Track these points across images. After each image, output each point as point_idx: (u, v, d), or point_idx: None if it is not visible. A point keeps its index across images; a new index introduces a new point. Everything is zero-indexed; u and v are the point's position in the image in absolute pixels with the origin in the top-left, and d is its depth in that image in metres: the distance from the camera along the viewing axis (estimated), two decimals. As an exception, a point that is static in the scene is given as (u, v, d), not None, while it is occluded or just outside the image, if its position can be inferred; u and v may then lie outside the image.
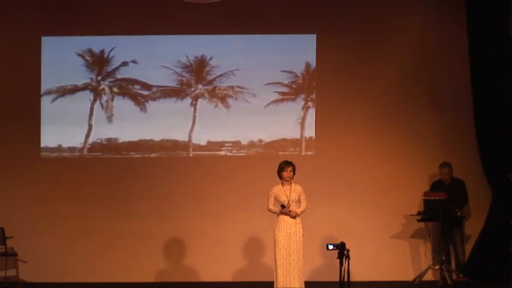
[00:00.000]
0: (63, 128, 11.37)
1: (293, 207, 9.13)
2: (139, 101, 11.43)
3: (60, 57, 11.44)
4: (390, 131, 11.24)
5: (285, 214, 9.11)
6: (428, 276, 10.82)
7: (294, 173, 9.22)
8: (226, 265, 11.12)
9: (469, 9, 11.00)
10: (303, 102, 11.38)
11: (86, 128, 11.40)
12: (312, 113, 11.33)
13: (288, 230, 9.09)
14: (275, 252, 9.10)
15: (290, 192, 9.17)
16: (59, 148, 11.43)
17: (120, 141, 11.43)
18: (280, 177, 9.22)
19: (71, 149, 11.43)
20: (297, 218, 9.15)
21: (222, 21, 11.29)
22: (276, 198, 9.18)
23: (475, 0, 10.98)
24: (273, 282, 9.18)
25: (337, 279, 8.21)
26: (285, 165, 9.21)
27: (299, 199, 9.20)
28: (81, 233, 11.18)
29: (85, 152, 11.41)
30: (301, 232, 9.12)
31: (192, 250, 11.18)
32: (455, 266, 10.81)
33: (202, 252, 11.15)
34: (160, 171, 11.31)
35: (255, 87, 11.33)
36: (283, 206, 9.10)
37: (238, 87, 11.38)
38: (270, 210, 9.22)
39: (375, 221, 11.08)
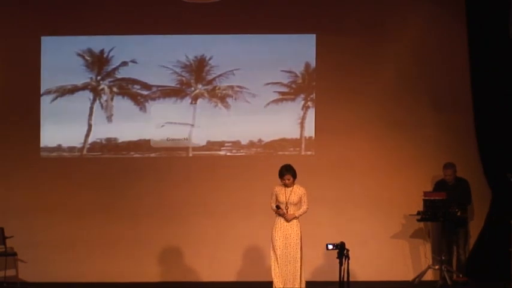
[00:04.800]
0: (63, 127, 11.37)
1: (291, 210, 9.10)
2: (139, 101, 11.42)
3: (60, 57, 11.43)
4: (390, 131, 11.23)
5: (279, 215, 9.10)
6: (428, 276, 10.83)
7: (295, 177, 9.18)
8: (226, 265, 11.12)
9: (469, 9, 11.01)
10: (302, 102, 11.38)
11: (86, 127, 11.40)
12: (311, 113, 11.33)
13: (285, 231, 9.08)
14: (271, 252, 9.10)
15: (290, 194, 9.14)
16: (59, 148, 11.43)
17: (120, 141, 11.43)
18: (281, 180, 9.21)
19: (71, 149, 11.42)
20: (295, 220, 9.12)
21: (222, 21, 11.29)
22: (276, 197, 9.17)
23: (475, 0, 10.98)
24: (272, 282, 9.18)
25: (337, 279, 8.21)
26: (285, 172, 9.15)
27: (300, 201, 9.16)
28: (81, 232, 11.18)
29: (85, 151, 11.41)
30: (299, 234, 9.08)
31: (191, 250, 11.18)
32: (456, 266, 10.79)
33: (202, 252, 11.15)
34: (160, 171, 11.30)
35: (255, 87, 11.33)
36: (277, 207, 9.10)
37: (238, 87, 11.38)
38: (272, 209, 9.23)
39: (375, 220, 11.08)
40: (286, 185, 9.15)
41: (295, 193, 9.14)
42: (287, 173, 9.13)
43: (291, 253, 9.03)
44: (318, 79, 11.36)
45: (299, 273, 9.04)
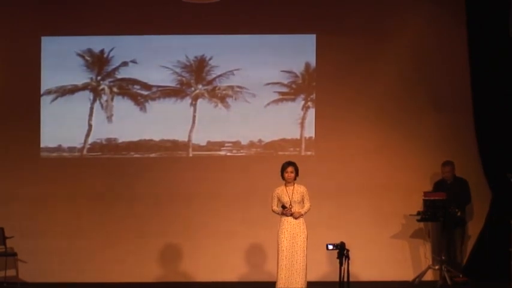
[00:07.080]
0: (63, 128, 11.38)
1: (296, 208, 9.10)
2: (139, 101, 11.43)
3: (60, 57, 11.43)
4: (390, 131, 11.24)
5: (286, 215, 9.09)
6: (428, 276, 10.82)
7: (297, 174, 9.17)
8: (226, 265, 11.12)
9: (469, 10, 11.01)
10: (302, 102, 11.38)
11: (86, 128, 11.40)
12: (311, 113, 11.33)
13: (292, 231, 9.05)
14: (278, 253, 9.08)
15: (292, 193, 9.13)
16: (59, 148, 11.43)
17: (120, 141, 11.43)
18: (283, 178, 9.19)
19: (71, 149, 11.43)
20: (301, 219, 9.10)
21: (222, 21, 11.30)
22: (278, 199, 9.15)
23: (475, 0, 10.98)
24: (274, 282, 9.15)
25: (337, 279, 8.20)
26: (286, 165, 9.16)
27: (302, 200, 9.16)
28: (81, 232, 11.19)
29: (85, 152, 11.41)
30: (306, 233, 9.05)
31: (191, 250, 11.18)
32: (452, 266, 10.79)
33: (201, 252, 11.14)
34: (160, 171, 11.31)
35: (255, 87, 11.33)
36: (283, 207, 9.08)
37: (238, 87, 11.38)
38: (274, 211, 9.18)
39: (375, 220, 11.08)
40: (287, 181, 9.11)
41: (297, 191, 9.13)
42: (289, 165, 9.12)
43: (297, 252, 9.01)
44: (318, 79, 11.36)
45: (305, 273, 9.03)
